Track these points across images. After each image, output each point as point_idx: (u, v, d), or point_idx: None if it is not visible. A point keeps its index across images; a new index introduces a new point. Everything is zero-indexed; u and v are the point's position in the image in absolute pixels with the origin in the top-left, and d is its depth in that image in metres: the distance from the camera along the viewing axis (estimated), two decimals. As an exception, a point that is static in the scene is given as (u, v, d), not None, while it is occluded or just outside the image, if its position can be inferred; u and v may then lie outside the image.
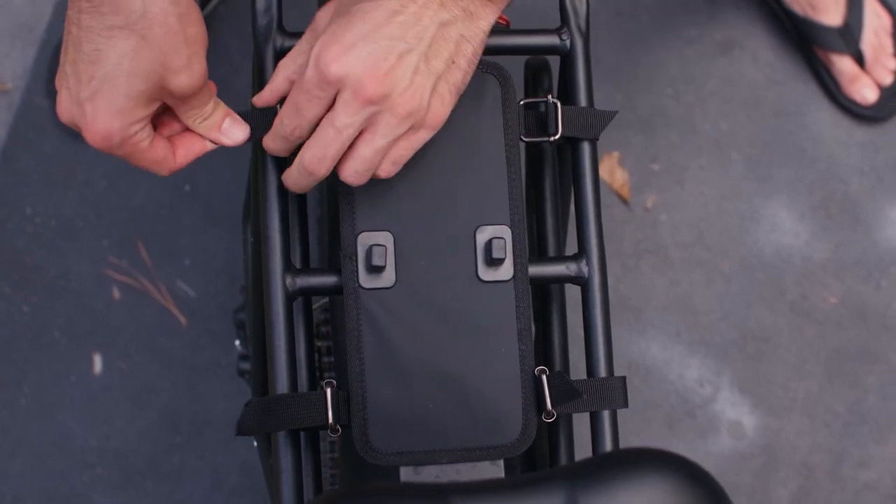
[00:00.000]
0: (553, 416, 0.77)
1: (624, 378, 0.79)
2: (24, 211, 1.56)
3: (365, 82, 0.69)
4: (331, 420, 0.75)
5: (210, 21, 1.62)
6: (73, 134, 1.57)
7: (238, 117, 0.77)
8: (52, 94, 1.58)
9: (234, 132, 0.77)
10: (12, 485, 1.49)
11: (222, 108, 0.76)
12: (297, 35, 0.82)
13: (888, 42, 1.63)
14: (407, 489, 0.69)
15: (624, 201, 1.59)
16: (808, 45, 1.64)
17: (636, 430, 1.54)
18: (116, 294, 1.55)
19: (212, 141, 0.77)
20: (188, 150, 0.77)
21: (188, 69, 0.70)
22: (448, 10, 0.71)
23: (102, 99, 0.69)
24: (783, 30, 1.67)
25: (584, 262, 0.81)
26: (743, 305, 1.58)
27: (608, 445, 0.78)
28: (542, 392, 0.77)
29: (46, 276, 1.55)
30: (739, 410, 1.56)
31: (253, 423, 0.75)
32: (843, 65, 1.62)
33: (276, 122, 0.75)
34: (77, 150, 1.58)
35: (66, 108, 0.71)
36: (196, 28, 0.70)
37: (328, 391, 0.75)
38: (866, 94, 1.62)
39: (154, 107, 0.72)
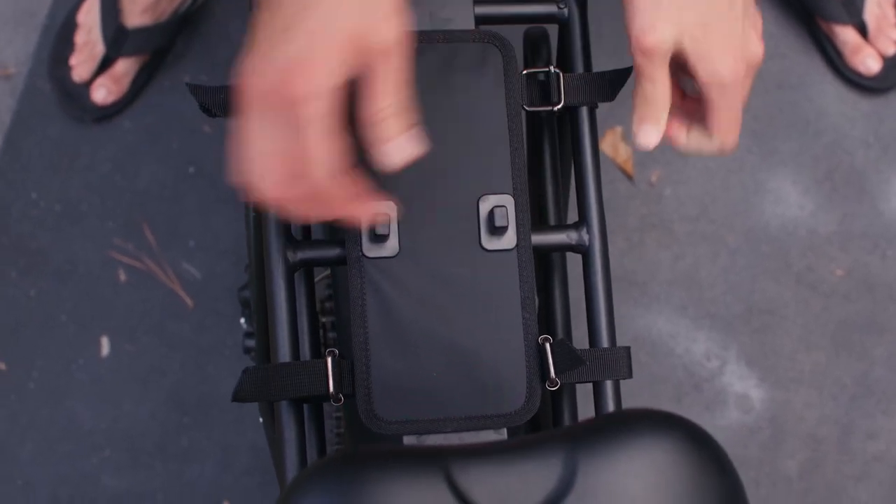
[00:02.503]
0: (557, 384, 0.77)
1: (628, 348, 0.79)
2: (28, 195, 1.57)
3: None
4: (332, 388, 0.75)
5: (211, 1, 1.62)
6: (76, 117, 1.58)
7: (417, 134, 0.68)
8: (54, 78, 1.58)
9: (401, 151, 0.67)
10: (22, 469, 1.50)
11: (410, 113, 0.68)
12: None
13: (891, 12, 1.62)
14: (406, 452, 0.69)
15: (628, 176, 1.59)
16: (810, 17, 1.63)
17: (643, 404, 1.54)
18: (122, 277, 1.55)
19: (374, 155, 0.67)
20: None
21: (394, 18, 0.64)
22: None
23: (307, 39, 0.63)
24: (785, 1, 1.66)
25: (584, 230, 0.81)
26: (749, 279, 1.58)
27: (611, 410, 0.78)
28: (546, 360, 0.77)
29: (52, 261, 1.55)
30: (746, 384, 1.56)
31: (250, 390, 0.75)
32: (846, 36, 1.61)
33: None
34: (81, 134, 1.58)
35: (258, 69, 0.65)
36: None
37: (329, 359, 0.76)
38: (870, 64, 1.61)
39: (353, 67, 0.65)
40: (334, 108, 0.65)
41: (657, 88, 0.73)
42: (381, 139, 0.67)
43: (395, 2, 0.65)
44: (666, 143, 0.77)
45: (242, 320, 1.33)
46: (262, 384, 0.75)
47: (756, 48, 0.75)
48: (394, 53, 0.65)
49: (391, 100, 0.66)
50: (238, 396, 0.75)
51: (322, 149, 0.65)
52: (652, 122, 0.75)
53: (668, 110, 0.75)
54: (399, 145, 0.67)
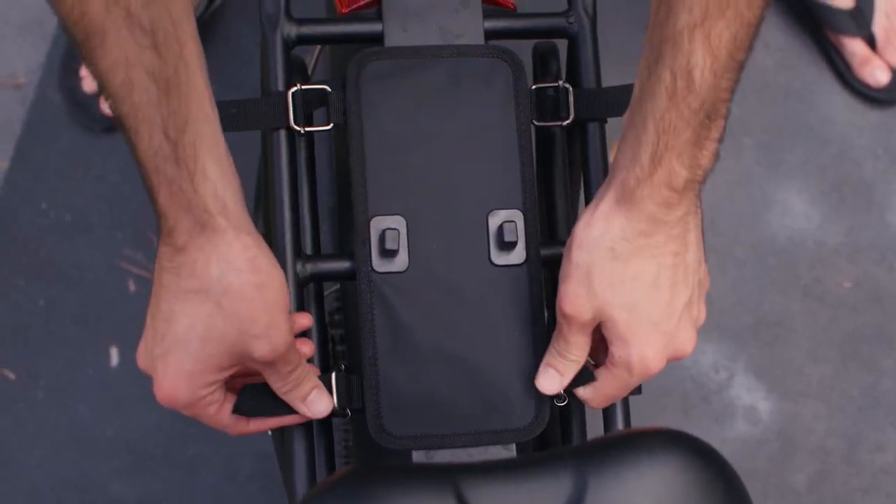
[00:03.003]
0: (565, 399, 0.77)
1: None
2: (38, 205, 1.57)
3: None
4: (335, 405, 0.75)
5: (221, 11, 1.62)
6: (86, 127, 1.58)
7: (323, 388, 0.73)
8: (64, 88, 1.59)
9: (318, 404, 0.73)
10: (29, 475, 1.50)
11: (312, 378, 0.73)
12: (306, 22, 0.82)
13: (900, 24, 1.62)
14: (416, 469, 0.69)
15: (636, 187, 1.59)
16: (819, 28, 1.63)
17: (651, 417, 1.54)
18: (132, 287, 1.55)
19: (294, 409, 0.73)
20: (265, 420, 0.75)
21: (267, 337, 0.67)
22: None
23: (173, 360, 0.68)
24: (794, 13, 1.66)
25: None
26: (756, 291, 1.58)
27: (620, 427, 0.78)
28: None
29: (61, 270, 1.55)
30: (755, 395, 1.56)
31: (248, 405, 0.74)
32: (854, 47, 1.61)
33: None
34: (90, 143, 1.59)
35: (141, 357, 0.71)
36: (276, 294, 0.68)
37: (333, 376, 0.76)
38: (878, 76, 1.61)
39: (227, 372, 0.70)
40: (212, 400, 0.71)
41: (570, 349, 0.73)
42: (293, 402, 0.73)
43: (271, 321, 0.67)
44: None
45: None
46: (262, 399, 0.75)
47: (687, 345, 0.74)
48: (273, 362, 0.69)
49: (287, 385, 0.72)
50: (236, 410, 0.75)
51: (208, 420, 0.72)
52: (557, 372, 0.75)
53: (577, 369, 0.75)
54: (311, 402, 0.73)
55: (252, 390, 0.74)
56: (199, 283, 0.65)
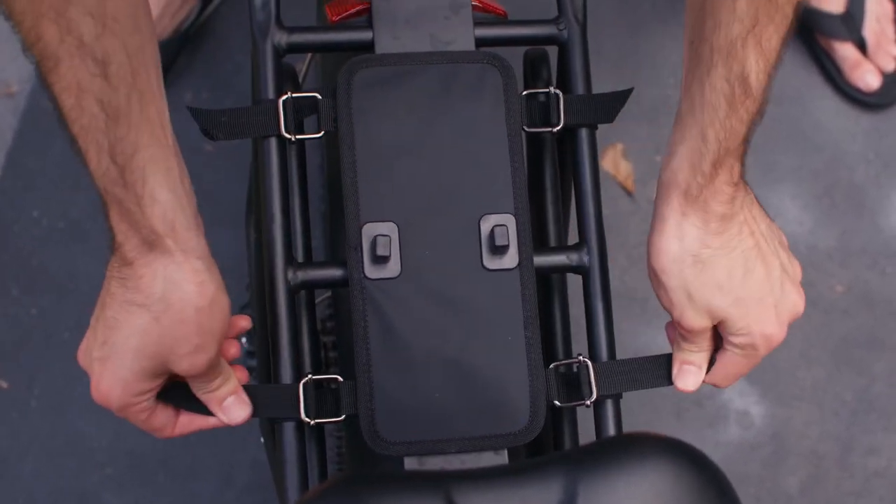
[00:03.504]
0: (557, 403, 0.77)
1: (627, 362, 0.80)
2: (31, 214, 1.57)
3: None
4: (302, 413, 0.76)
5: (213, 19, 1.63)
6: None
7: (244, 397, 0.76)
8: (56, 96, 1.59)
9: (233, 411, 0.76)
10: (24, 485, 1.50)
11: (230, 385, 0.76)
12: (297, 30, 0.82)
13: (890, 28, 1.63)
14: (407, 476, 0.69)
15: (628, 193, 1.59)
16: (809, 33, 1.64)
17: (644, 421, 1.55)
18: (124, 294, 1.55)
19: (210, 412, 0.77)
20: (191, 421, 0.78)
21: (190, 357, 0.70)
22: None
23: (109, 366, 0.71)
24: (785, 18, 1.67)
25: (584, 251, 0.81)
26: (749, 295, 1.58)
27: (611, 432, 0.78)
28: (560, 384, 0.78)
29: (55, 278, 1.55)
30: (747, 400, 1.56)
31: (173, 395, 0.76)
32: (845, 52, 1.62)
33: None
34: (83, 151, 1.59)
35: (82, 353, 0.74)
36: (214, 320, 0.70)
37: (300, 385, 0.77)
38: (869, 80, 1.62)
39: (159, 381, 0.73)
40: (143, 407, 0.74)
41: (699, 342, 0.77)
42: (210, 406, 0.76)
43: (201, 344, 0.69)
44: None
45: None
46: (187, 394, 0.76)
47: (798, 304, 0.78)
48: (200, 375, 0.72)
49: (204, 392, 0.75)
50: (161, 395, 0.76)
51: (138, 423, 0.75)
52: (695, 366, 0.78)
53: (709, 357, 0.78)
54: (227, 408, 0.76)
55: (178, 387, 0.76)
56: (142, 297, 0.68)
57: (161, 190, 0.67)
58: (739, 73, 0.67)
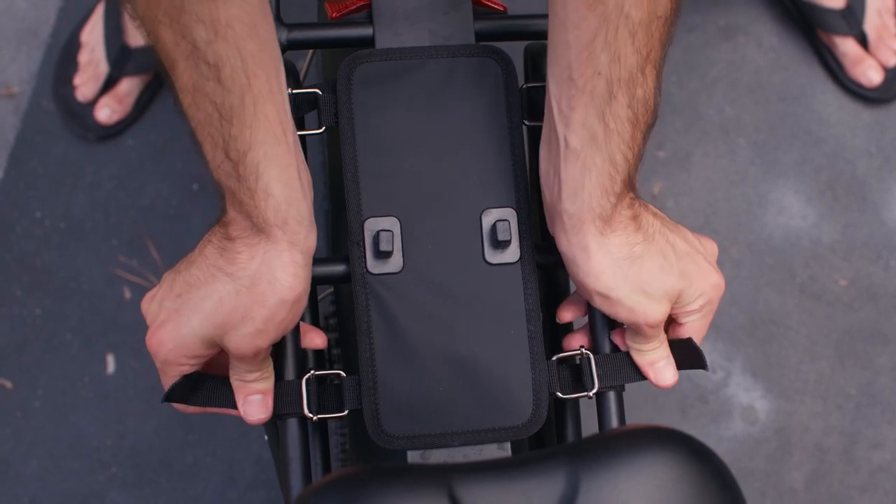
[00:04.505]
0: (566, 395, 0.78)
1: (628, 354, 0.80)
2: (33, 214, 1.57)
3: None
4: (305, 409, 0.76)
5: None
6: (80, 136, 1.58)
7: (269, 402, 0.76)
8: (58, 97, 1.59)
9: (253, 408, 0.76)
10: (28, 486, 1.50)
11: (264, 384, 0.76)
12: (297, 27, 0.82)
13: (892, 23, 1.63)
14: (409, 469, 0.69)
15: (631, 189, 1.59)
16: (811, 29, 1.64)
17: (649, 417, 1.55)
18: (127, 294, 1.55)
19: (232, 405, 0.77)
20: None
21: (247, 338, 0.71)
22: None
23: (175, 318, 0.72)
24: (786, 13, 1.67)
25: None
26: (752, 290, 1.58)
27: (614, 424, 0.78)
28: (553, 374, 0.78)
29: (57, 278, 1.56)
30: (752, 395, 1.56)
31: (180, 392, 0.76)
32: (846, 47, 1.62)
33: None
34: (84, 152, 1.59)
35: (147, 300, 0.75)
36: (287, 315, 0.71)
37: (303, 381, 0.77)
38: (871, 75, 1.62)
39: (211, 352, 0.74)
40: (184, 370, 0.75)
41: (662, 347, 0.79)
42: (236, 394, 0.76)
43: (262, 329, 0.71)
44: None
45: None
46: (199, 388, 0.77)
47: (710, 245, 0.81)
48: (243, 359, 0.73)
49: (238, 379, 0.76)
50: (170, 395, 0.76)
51: (168, 381, 0.76)
52: (666, 361, 0.79)
53: (669, 350, 0.80)
54: (249, 403, 0.76)
55: (188, 380, 0.76)
56: (234, 268, 0.70)
57: (276, 184, 0.68)
58: (642, 96, 0.69)
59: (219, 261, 0.70)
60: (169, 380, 0.76)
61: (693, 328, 0.80)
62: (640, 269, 0.74)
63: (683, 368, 0.81)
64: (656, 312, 0.75)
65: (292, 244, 0.70)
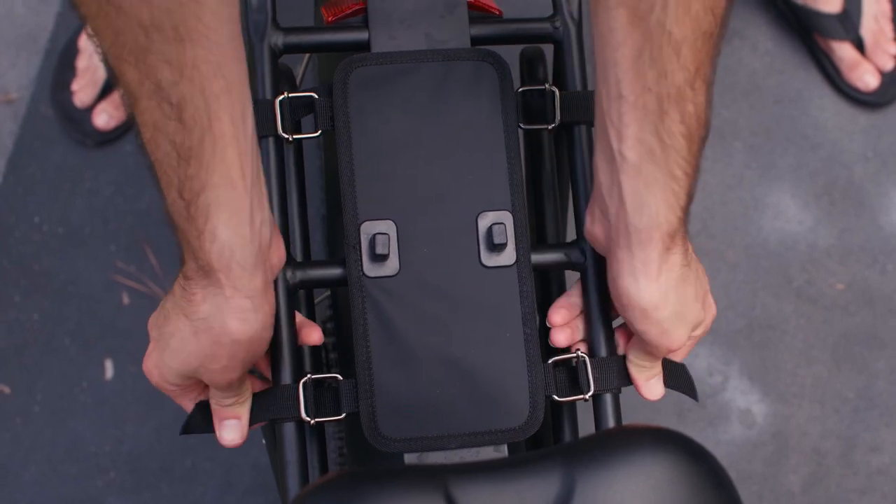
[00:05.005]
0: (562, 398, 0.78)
1: (624, 357, 0.80)
2: (31, 219, 1.57)
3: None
4: (302, 413, 0.77)
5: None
6: (78, 141, 1.59)
7: (243, 426, 0.80)
8: (56, 103, 1.59)
9: (226, 430, 0.80)
10: (27, 491, 1.50)
11: (238, 410, 0.79)
12: (293, 31, 0.82)
13: (888, 27, 1.63)
14: (405, 470, 0.69)
15: (628, 193, 1.59)
16: (807, 33, 1.64)
17: (646, 420, 1.54)
18: (126, 299, 1.56)
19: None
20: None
21: (216, 374, 0.74)
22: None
23: (157, 350, 0.76)
24: (782, 18, 1.67)
25: (582, 248, 0.81)
26: (749, 294, 1.59)
27: (611, 426, 0.78)
28: (550, 376, 0.78)
29: (55, 283, 1.56)
30: (749, 399, 1.56)
31: (195, 422, 0.80)
32: (843, 51, 1.62)
33: None
34: (83, 157, 1.59)
35: (151, 323, 0.77)
36: (246, 354, 0.73)
37: (300, 385, 0.77)
38: (867, 80, 1.62)
39: (191, 381, 0.77)
40: (175, 392, 0.80)
41: (658, 364, 0.81)
42: (214, 418, 0.80)
43: (228, 366, 0.73)
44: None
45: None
46: (206, 417, 0.79)
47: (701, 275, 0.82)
48: (219, 387, 0.77)
49: (216, 403, 0.79)
50: (186, 427, 0.81)
51: (175, 399, 0.81)
52: (658, 378, 0.81)
53: (660, 366, 0.82)
54: (223, 426, 0.80)
55: (201, 407, 0.80)
56: (191, 309, 0.71)
57: (223, 228, 0.68)
58: (693, 112, 0.69)
59: (181, 300, 0.72)
60: (175, 399, 0.80)
61: (681, 353, 0.82)
62: (684, 293, 0.75)
63: (670, 388, 0.82)
64: (682, 339, 0.76)
65: (236, 289, 0.70)
